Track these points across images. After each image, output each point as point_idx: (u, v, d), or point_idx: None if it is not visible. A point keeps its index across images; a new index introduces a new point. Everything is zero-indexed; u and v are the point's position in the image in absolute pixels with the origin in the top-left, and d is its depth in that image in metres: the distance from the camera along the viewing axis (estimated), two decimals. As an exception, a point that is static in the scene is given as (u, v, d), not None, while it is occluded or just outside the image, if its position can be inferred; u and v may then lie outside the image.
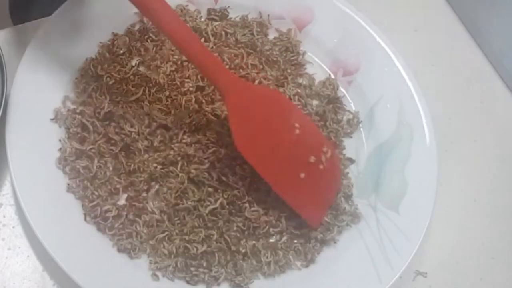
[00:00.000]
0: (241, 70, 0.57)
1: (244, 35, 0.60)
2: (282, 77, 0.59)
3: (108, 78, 0.55)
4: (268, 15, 0.62)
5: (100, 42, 0.57)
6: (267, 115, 0.50)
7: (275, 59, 0.60)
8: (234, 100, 0.48)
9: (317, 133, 0.53)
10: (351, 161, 0.57)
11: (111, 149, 0.52)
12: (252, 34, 0.60)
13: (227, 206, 0.51)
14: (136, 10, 0.59)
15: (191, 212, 0.51)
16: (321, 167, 0.51)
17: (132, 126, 0.53)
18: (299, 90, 0.58)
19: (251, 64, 0.58)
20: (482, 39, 0.68)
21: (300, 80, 0.60)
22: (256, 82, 0.57)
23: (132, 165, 0.52)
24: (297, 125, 0.50)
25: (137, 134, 0.53)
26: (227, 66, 0.58)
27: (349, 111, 0.59)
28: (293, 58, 0.61)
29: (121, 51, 0.57)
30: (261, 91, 0.53)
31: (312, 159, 0.50)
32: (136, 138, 0.53)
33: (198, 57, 0.48)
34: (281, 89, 0.58)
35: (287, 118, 0.51)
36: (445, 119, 0.63)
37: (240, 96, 0.49)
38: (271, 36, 0.62)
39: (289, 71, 0.59)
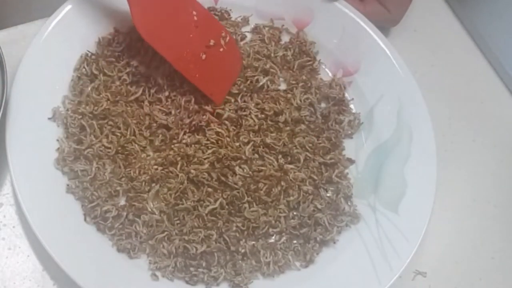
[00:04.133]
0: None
1: (255, 43, 0.60)
2: (293, 81, 0.59)
3: (102, 75, 0.55)
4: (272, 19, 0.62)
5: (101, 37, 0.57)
6: (166, 4, 0.54)
7: (288, 65, 0.60)
8: None
9: (214, 20, 0.58)
10: (351, 161, 0.57)
11: (108, 150, 0.52)
12: (264, 41, 0.60)
13: (226, 207, 0.52)
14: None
15: (191, 212, 0.51)
16: (221, 49, 0.56)
17: (128, 126, 0.53)
18: (310, 96, 0.58)
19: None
20: (481, 39, 0.68)
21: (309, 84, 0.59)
22: (261, 83, 0.57)
23: (132, 172, 0.52)
24: (194, 12, 0.55)
25: (133, 135, 0.53)
26: None
27: (353, 113, 0.59)
28: (308, 63, 0.60)
29: (120, 48, 0.57)
30: None
31: (212, 42, 0.56)
32: (133, 138, 0.53)
33: None
34: (289, 95, 0.57)
35: (185, 6, 0.55)
36: (445, 119, 0.63)
37: None
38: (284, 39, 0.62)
39: (304, 77, 0.59)
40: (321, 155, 0.56)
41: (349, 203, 0.55)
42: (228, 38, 0.57)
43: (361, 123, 0.59)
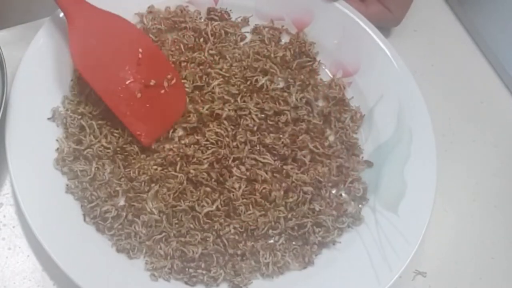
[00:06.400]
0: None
1: (255, 44, 0.60)
2: (291, 80, 0.58)
3: None
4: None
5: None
6: (110, 37, 0.54)
7: (288, 65, 0.59)
8: (77, 21, 0.52)
9: (164, 61, 0.56)
10: (369, 164, 0.57)
11: (108, 150, 0.52)
12: (264, 41, 0.60)
13: (221, 208, 0.51)
14: (136, 10, 0.59)
15: (188, 213, 0.51)
16: (162, 91, 0.55)
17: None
18: (307, 95, 0.58)
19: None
20: (481, 39, 0.68)
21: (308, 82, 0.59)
22: (260, 83, 0.57)
23: (132, 172, 0.52)
24: (140, 50, 0.55)
25: (131, 136, 0.53)
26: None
27: (352, 109, 0.59)
28: (308, 64, 0.60)
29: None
30: (107, 15, 0.55)
31: (152, 82, 0.54)
32: (131, 139, 0.53)
33: None
34: (285, 93, 0.57)
35: (131, 43, 0.55)
36: (445, 119, 0.63)
37: (84, 17, 0.53)
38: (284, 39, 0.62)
39: (302, 77, 0.59)
40: (337, 157, 0.56)
41: (360, 206, 0.55)
42: (174, 80, 0.55)
43: (363, 115, 0.58)
